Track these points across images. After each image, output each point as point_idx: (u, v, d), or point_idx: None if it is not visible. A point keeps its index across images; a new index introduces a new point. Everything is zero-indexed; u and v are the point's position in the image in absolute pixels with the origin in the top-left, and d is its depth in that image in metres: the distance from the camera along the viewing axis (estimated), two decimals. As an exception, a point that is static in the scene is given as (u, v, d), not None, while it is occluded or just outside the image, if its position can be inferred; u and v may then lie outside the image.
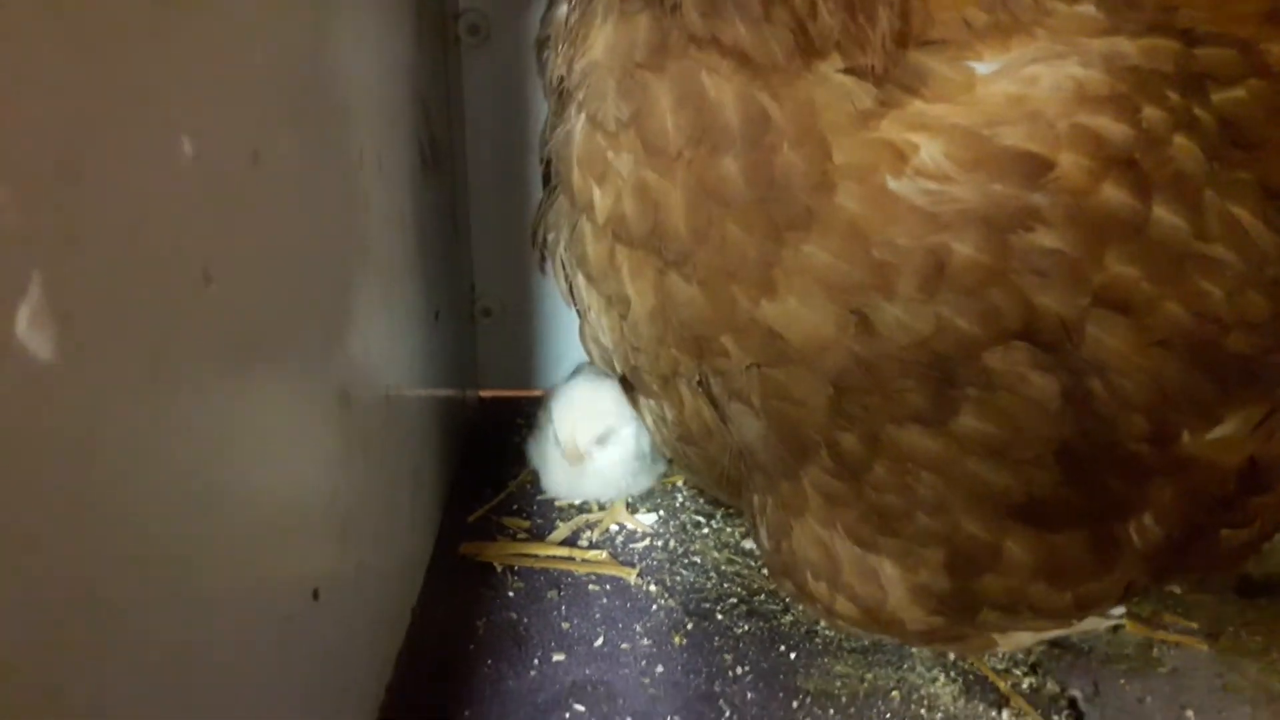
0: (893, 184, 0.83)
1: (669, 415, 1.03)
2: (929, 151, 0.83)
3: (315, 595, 0.72)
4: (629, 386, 1.08)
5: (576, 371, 1.35)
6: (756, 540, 0.95)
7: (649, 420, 1.09)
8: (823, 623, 1.09)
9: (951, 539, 0.85)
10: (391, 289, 1.00)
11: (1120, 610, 1.02)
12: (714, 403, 0.95)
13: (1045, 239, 0.81)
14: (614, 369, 1.05)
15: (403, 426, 1.04)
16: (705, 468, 1.06)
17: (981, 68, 0.85)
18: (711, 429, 1.00)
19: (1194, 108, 0.86)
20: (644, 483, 1.30)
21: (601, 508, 1.28)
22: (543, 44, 1.02)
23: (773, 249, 0.85)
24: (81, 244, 0.40)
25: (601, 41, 0.87)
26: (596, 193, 0.91)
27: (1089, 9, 0.87)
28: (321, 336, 0.77)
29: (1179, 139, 0.85)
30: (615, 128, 0.87)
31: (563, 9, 0.93)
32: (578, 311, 1.06)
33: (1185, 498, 0.88)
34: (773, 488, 0.91)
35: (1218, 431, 0.88)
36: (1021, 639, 1.01)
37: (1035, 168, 0.81)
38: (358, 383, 0.84)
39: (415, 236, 1.11)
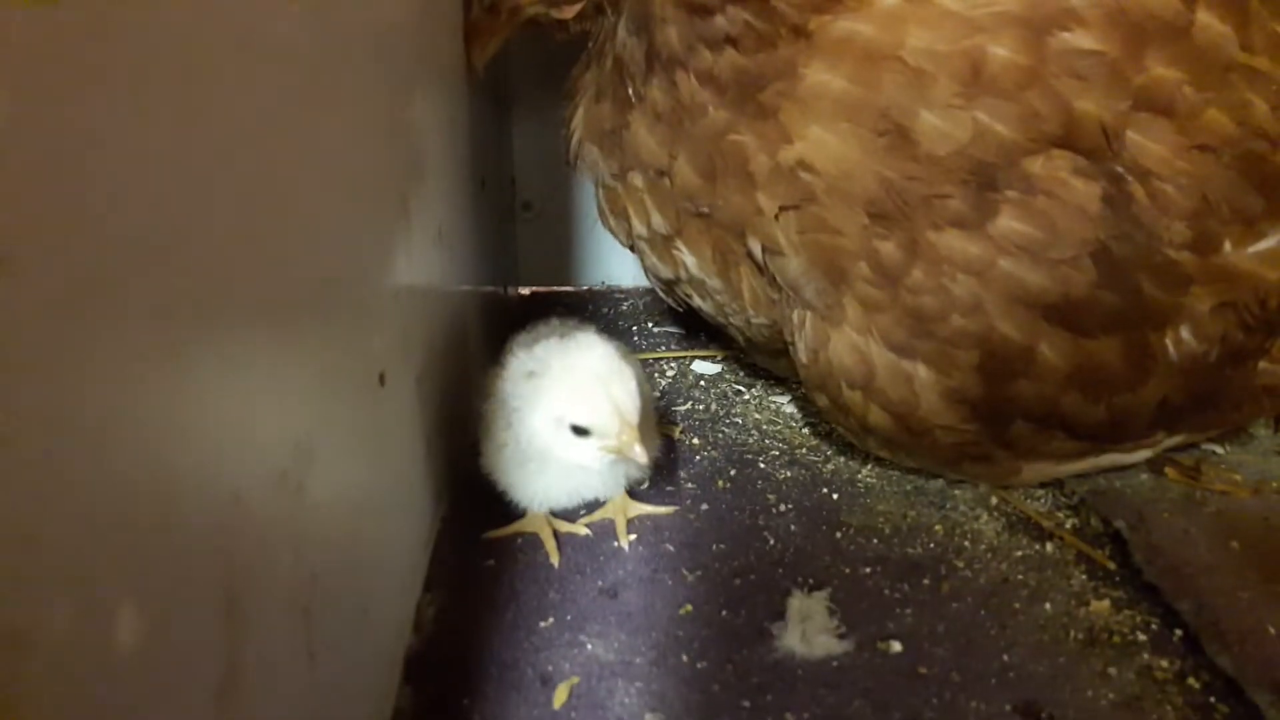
0: None
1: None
2: None
3: (381, 379, 0.75)
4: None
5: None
6: (795, 355, 0.96)
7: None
8: (862, 468, 1.11)
9: (986, 340, 0.86)
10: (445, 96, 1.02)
11: (1146, 453, 1.03)
12: (760, 270, 0.97)
13: (1084, 40, 0.83)
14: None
15: (454, 269, 1.06)
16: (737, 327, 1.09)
17: None
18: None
19: None
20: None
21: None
22: None
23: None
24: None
25: None
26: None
27: None
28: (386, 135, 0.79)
29: None
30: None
31: None
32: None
33: (1223, 312, 0.88)
34: (811, 305, 0.92)
35: (1261, 245, 0.88)
36: (1046, 469, 1.02)
37: None
38: (414, 192, 0.86)
39: (467, 105, 1.12)
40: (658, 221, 1.01)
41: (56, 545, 0.32)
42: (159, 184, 0.39)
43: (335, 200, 0.65)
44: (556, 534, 0.98)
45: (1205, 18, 0.83)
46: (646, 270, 1.12)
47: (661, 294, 1.15)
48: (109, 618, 0.34)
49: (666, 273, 1.06)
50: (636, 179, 1.00)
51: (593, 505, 1.02)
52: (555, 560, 0.94)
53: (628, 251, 1.13)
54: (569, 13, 1.02)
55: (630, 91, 0.96)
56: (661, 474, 1.09)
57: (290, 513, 0.54)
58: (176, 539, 0.39)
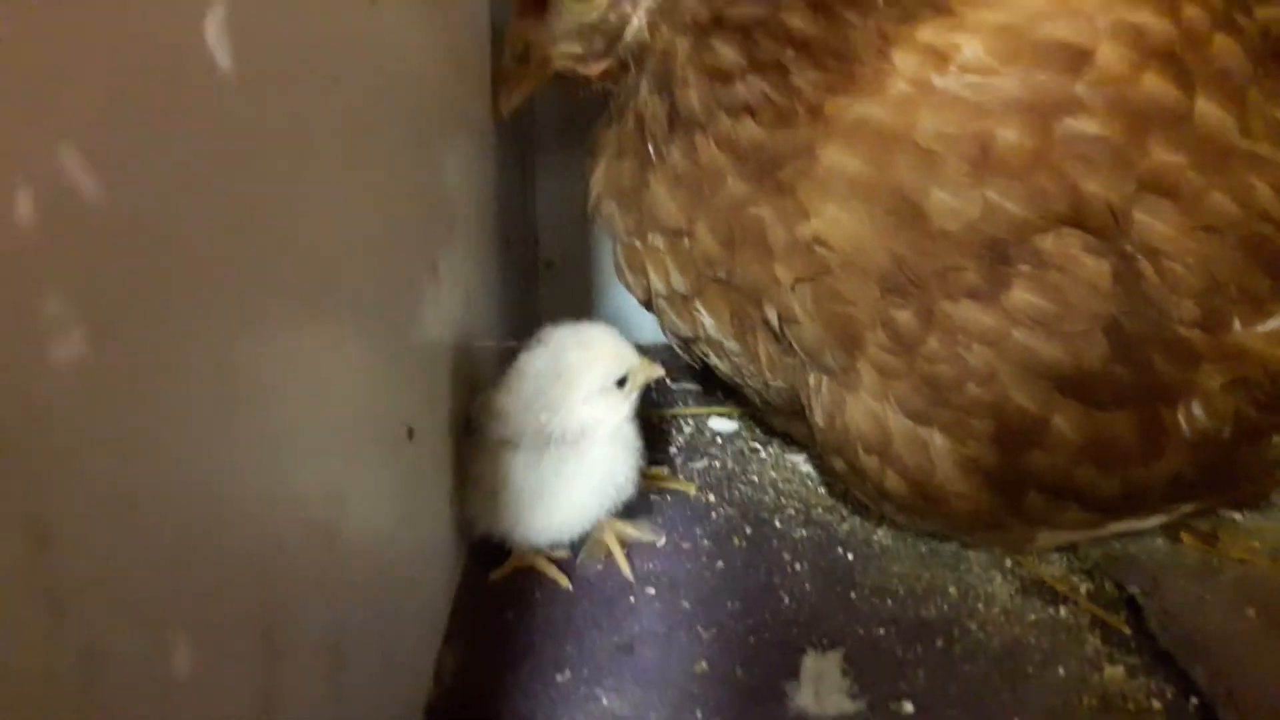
0: (938, 80, 0.88)
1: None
2: (971, 49, 0.88)
3: (410, 434, 0.77)
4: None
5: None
6: (811, 419, 0.98)
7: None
8: (877, 529, 1.12)
9: (1001, 410, 0.87)
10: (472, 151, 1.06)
11: (1161, 519, 1.04)
12: (776, 337, 1.00)
13: (1089, 126, 0.86)
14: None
15: (480, 326, 1.09)
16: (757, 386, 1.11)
17: None
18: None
19: (1235, 13, 0.90)
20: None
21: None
22: None
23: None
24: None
25: None
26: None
27: None
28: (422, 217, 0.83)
29: (1220, 38, 0.88)
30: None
31: None
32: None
33: (1234, 389, 0.90)
34: (829, 370, 0.94)
35: (1270, 324, 0.90)
36: (1061, 536, 1.03)
37: (1075, 57, 0.86)
38: (445, 255, 0.90)
39: (494, 167, 1.17)
40: (678, 281, 1.03)
41: (129, 576, 0.34)
42: (206, 250, 0.42)
43: (373, 267, 0.68)
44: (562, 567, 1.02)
45: (1204, 105, 0.86)
46: (664, 328, 1.14)
47: (679, 351, 1.17)
48: (168, 645, 0.36)
49: (685, 331, 1.09)
50: (657, 240, 1.03)
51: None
52: (566, 582, 1.00)
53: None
54: (595, 70, 1.05)
55: (651, 150, 0.99)
56: (678, 530, 1.11)
57: (323, 558, 0.56)
58: (226, 579, 0.42)
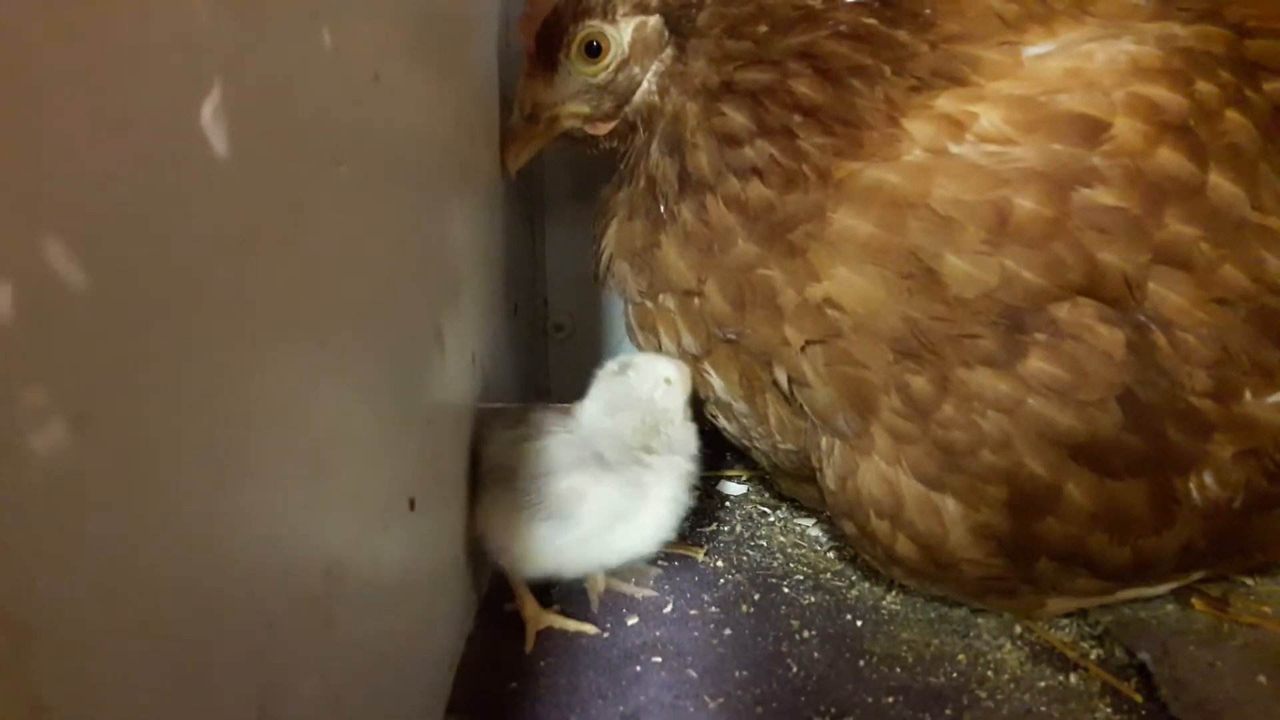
0: (955, 149, 0.89)
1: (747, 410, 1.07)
2: (989, 119, 0.89)
3: (411, 504, 0.77)
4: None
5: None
6: (822, 482, 0.98)
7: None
8: (886, 594, 1.11)
9: (1015, 476, 0.87)
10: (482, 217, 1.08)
11: (1171, 585, 1.02)
12: (787, 399, 1.00)
13: (1105, 197, 0.86)
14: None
15: (486, 390, 1.09)
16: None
17: (1031, 50, 0.92)
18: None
19: (1245, 89, 0.91)
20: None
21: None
22: None
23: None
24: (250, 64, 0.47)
25: None
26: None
27: None
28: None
29: (1231, 113, 0.90)
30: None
31: None
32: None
33: (1246, 459, 0.90)
34: (841, 434, 0.94)
35: None
36: (1071, 602, 1.02)
37: (1092, 129, 0.87)
38: (449, 321, 0.90)
39: (502, 231, 1.18)
40: (688, 341, 1.04)
41: (115, 671, 0.34)
42: (197, 330, 0.43)
43: (376, 337, 0.69)
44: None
45: (1217, 179, 0.87)
46: None
47: None
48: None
49: (697, 391, 1.09)
50: (668, 300, 1.04)
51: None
52: (591, 629, 1.03)
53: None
54: (603, 130, 1.07)
55: (663, 210, 1.00)
56: (685, 597, 1.10)
57: (319, 635, 0.56)
58: (218, 663, 0.42)
